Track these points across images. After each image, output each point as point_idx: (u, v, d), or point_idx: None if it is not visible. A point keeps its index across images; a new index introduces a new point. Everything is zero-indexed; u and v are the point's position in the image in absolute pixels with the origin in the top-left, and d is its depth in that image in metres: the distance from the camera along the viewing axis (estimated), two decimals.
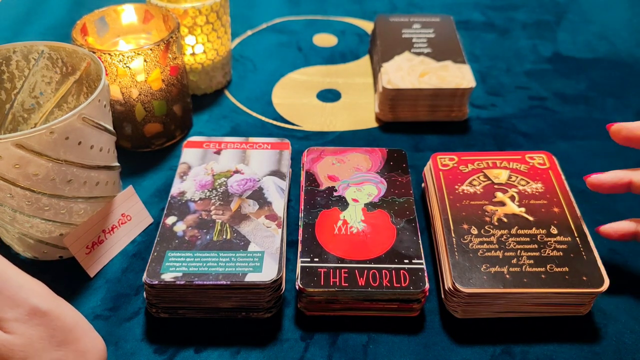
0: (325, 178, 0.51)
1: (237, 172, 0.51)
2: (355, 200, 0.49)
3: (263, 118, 0.66)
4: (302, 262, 0.44)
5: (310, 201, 0.49)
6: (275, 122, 0.65)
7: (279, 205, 0.48)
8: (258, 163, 0.52)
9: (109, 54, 0.51)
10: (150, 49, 0.52)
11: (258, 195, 0.49)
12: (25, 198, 0.42)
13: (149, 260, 0.43)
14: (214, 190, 0.49)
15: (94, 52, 0.50)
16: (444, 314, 0.45)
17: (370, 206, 0.48)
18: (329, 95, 0.70)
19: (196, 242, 0.45)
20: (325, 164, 0.53)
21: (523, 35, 0.82)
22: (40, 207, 0.43)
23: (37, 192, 0.42)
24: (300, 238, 0.46)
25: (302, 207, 0.48)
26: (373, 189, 0.50)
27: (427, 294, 0.43)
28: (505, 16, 0.86)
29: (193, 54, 0.64)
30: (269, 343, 0.43)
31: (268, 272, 0.42)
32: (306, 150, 0.54)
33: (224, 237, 0.45)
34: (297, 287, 0.42)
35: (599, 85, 0.71)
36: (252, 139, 0.55)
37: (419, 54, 0.67)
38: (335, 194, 0.49)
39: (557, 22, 0.85)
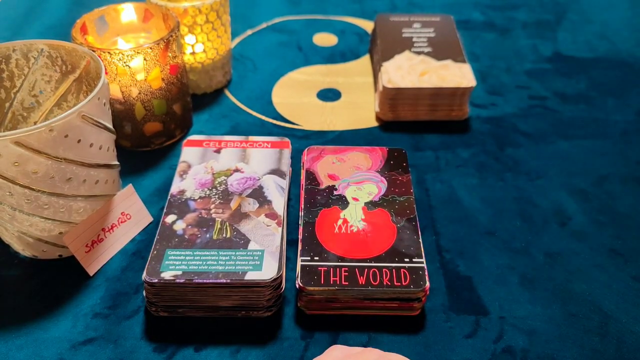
0: (325, 177, 0.51)
1: (237, 170, 0.51)
2: (355, 199, 0.49)
3: (263, 117, 0.65)
4: (302, 260, 0.43)
5: (311, 200, 0.49)
6: (275, 122, 0.65)
7: (279, 204, 0.48)
8: (258, 162, 0.52)
9: (109, 52, 0.51)
10: (150, 48, 0.52)
11: (258, 194, 0.49)
12: (25, 196, 0.42)
13: (149, 259, 0.43)
14: (213, 189, 0.49)
15: (93, 51, 0.50)
16: (445, 313, 0.45)
17: (371, 205, 0.48)
18: (329, 95, 0.69)
19: (196, 240, 0.44)
20: (326, 163, 0.52)
21: (523, 34, 0.81)
22: (39, 205, 0.43)
23: (37, 190, 0.42)
24: (300, 237, 0.46)
25: (302, 206, 0.48)
26: (373, 187, 0.50)
27: (428, 292, 0.42)
28: (506, 16, 0.86)
29: (193, 53, 0.64)
30: (269, 342, 0.43)
31: (268, 270, 0.42)
32: (306, 149, 0.54)
33: (224, 235, 0.45)
34: (297, 285, 0.42)
35: (599, 84, 0.71)
36: (252, 138, 0.55)
37: (419, 53, 0.67)
38: (335, 192, 0.49)
39: (557, 21, 0.85)
